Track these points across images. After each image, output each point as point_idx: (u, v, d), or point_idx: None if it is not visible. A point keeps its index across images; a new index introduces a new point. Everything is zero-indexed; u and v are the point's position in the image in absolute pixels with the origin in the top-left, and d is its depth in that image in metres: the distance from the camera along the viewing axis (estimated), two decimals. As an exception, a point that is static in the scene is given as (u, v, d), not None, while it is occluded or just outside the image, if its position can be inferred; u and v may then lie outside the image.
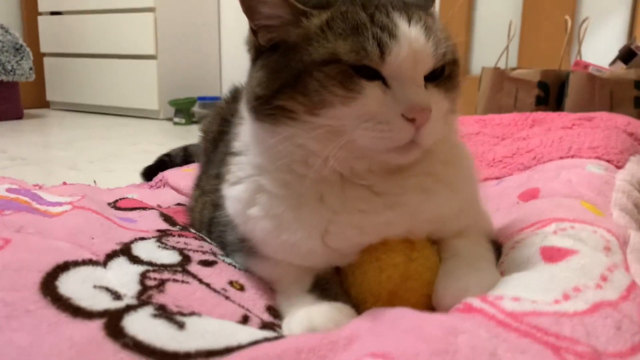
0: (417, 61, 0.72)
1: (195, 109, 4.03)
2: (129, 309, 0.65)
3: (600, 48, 3.07)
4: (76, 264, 0.76)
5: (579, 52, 2.68)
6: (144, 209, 1.15)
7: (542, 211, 0.99)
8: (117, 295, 0.70)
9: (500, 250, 0.88)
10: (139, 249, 0.86)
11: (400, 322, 0.61)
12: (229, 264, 0.90)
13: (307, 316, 0.72)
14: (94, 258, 0.80)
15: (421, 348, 0.53)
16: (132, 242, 0.89)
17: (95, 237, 0.87)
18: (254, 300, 0.81)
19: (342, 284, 0.82)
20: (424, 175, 0.80)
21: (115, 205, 1.19)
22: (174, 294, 0.73)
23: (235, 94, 1.27)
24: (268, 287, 0.87)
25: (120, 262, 0.80)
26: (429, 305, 0.77)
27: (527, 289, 0.66)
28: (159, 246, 0.89)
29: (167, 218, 1.09)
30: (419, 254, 0.79)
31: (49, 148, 3.13)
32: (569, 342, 0.56)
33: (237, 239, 0.88)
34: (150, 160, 2.71)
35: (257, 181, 0.83)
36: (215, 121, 1.25)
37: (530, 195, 1.22)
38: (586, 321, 0.59)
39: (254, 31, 0.78)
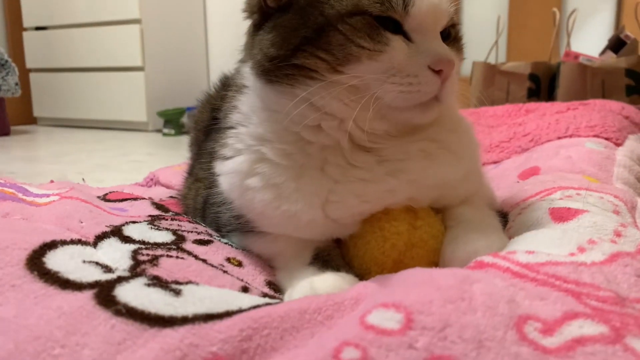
0: (436, 15, 0.72)
1: (185, 119, 3.99)
2: (120, 279, 0.62)
3: (589, 39, 3.08)
4: (64, 242, 0.72)
5: (568, 44, 2.67)
6: (135, 199, 1.12)
7: (545, 183, 0.97)
8: (108, 269, 0.66)
9: (506, 219, 0.85)
10: (130, 230, 0.82)
11: (410, 277, 0.58)
12: (226, 243, 0.87)
13: (309, 286, 0.69)
14: (83, 239, 0.76)
15: (434, 296, 0.49)
16: (122, 225, 0.85)
17: (84, 222, 0.83)
18: (254, 275, 0.78)
19: (344, 257, 0.79)
20: (429, 141, 0.78)
21: (104, 197, 1.15)
22: (169, 267, 0.69)
23: (225, 82, 1.23)
24: (267, 264, 0.84)
25: (111, 242, 0.76)
26: (435, 273, 0.74)
27: (540, 244, 0.63)
28: (151, 228, 0.85)
29: (159, 206, 1.06)
30: (423, 222, 0.76)
31: (37, 162, 3.08)
32: (590, 288, 0.53)
33: (233, 216, 0.84)
34: (140, 170, 2.68)
35: (258, 151, 0.79)
36: (206, 110, 1.22)
37: (530, 174, 1.19)
38: (605, 270, 0.56)
39: None
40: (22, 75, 4.20)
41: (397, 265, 0.74)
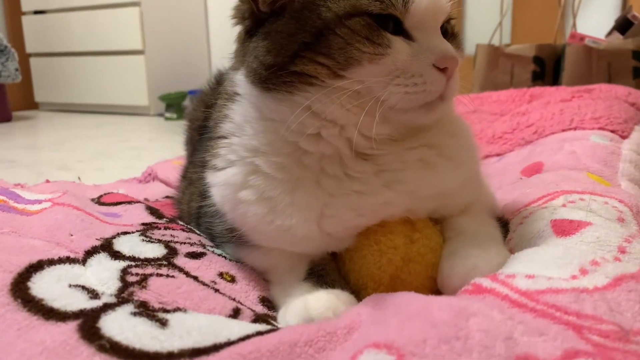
0: (436, 11, 0.69)
1: (186, 103, 3.96)
2: (106, 307, 0.60)
3: (595, 20, 3.01)
4: (51, 262, 0.70)
5: (574, 25, 2.62)
6: (129, 203, 1.09)
7: (547, 184, 0.94)
8: (94, 294, 0.64)
9: (507, 226, 0.83)
10: (121, 244, 0.80)
11: (405, 306, 0.55)
12: (219, 255, 0.85)
13: (303, 305, 0.67)
14: (72, 255, 0.74)
15: (429, 334, 0.47)
16: (114, 237, 0.83)
17: (74, 234, 0.81)
18: (247, 292, 0.76)
19: (340, 271, 0.77)
20: (427, 147, 0.76)
21: (99, 200, 1.13)
22: (157, 289, 0.67)
23: (219, 79, 1.20)
24: (261, 277, 0.82)
25: (100, 259, 0.74)
26: (433, 288, 0.72)
27: (540, 265, 0.61)
28: (142, 240, 0.83)
29: (153, 211, 1.03)
30: (421, 235, 0.74)
31: (38, 149, 3.07)
32: (591, 321, 0.50)
33: (226, 229, 0.82)
34: (142, 156, 2.65)
35: (251, 162, 0.76)
36: (200, 108, 1.19)
37: (533, 170, 1.17)
38: (608, 296, 0.54)
39: None
40: (22, 60, 4.17)
41: (394, 281, 0.72)
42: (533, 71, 2.49)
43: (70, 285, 0.65)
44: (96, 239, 0.81)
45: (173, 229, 0.91)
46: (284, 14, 0.70)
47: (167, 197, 1.33)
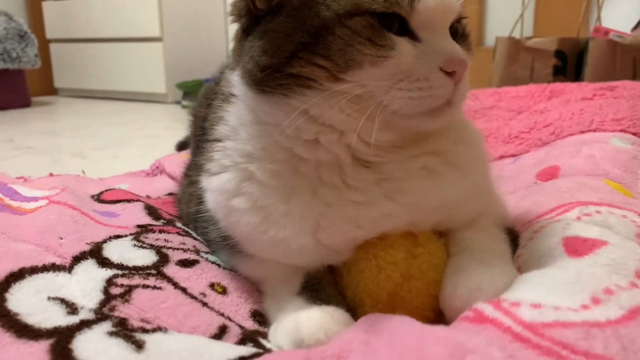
0: (445, 9, 0.65)
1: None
2: (82, 325, 0.57)
3: (620, 13, 2.91)
4: (34, 270, 0.67)
5: (599, 18, 2.54)
6: (129, 201, 1.07)
7: (563, 193, 0.89)
8: (72, 309, 0.61)
9: (517, 240, 0.78)
10: (110, 250, 0.77)
11: (398, 337, 0.51)
12: (213, 262, 0.81)
13: (294, 325, 0.63)
14: (59, 262, 0.71)
15: (419, 376, 0.43)
16: (104, 241, 0.80)
17: (64, 237, 0.79)
18: (237, 305, 0.72)
19: (337, 285, 0.73)
20: (432, 155, 0.71)
21: (99, 197, 1.10)
22: (141, 303, 0.64)
23: (224, 72, 1.16)
24: (255, 288, 0.78)
25: (87, 266, 0.71)
26: (435, 306, 0.68)
27: (548, 291, 0.56)
28: (134, 245, 0.80)
29: (152, 211, 1.00)
30: (423, 250, 0.69)
31: (55, 136, 3.07)
32: (601, 362, 0.46)
33: (220, 236, 0.78)
34: (157, 145, 2.63)
35: (245, 168, 0.72)
36: (205, 103, 1.16)
37: (549, 174, 1.11)
38: (622, 332, 0.49)
39: None
40: (42, 46, 4.18)
41: (393, 298, 0.68)
42: (554, 66, 2.41)
43: (49, 298, 0.62)
44: (86, 243, 0.78)
45: (168, 232, 0.88)
46: (281, 12, 0.66)
47: (170, 193, 1.30)
